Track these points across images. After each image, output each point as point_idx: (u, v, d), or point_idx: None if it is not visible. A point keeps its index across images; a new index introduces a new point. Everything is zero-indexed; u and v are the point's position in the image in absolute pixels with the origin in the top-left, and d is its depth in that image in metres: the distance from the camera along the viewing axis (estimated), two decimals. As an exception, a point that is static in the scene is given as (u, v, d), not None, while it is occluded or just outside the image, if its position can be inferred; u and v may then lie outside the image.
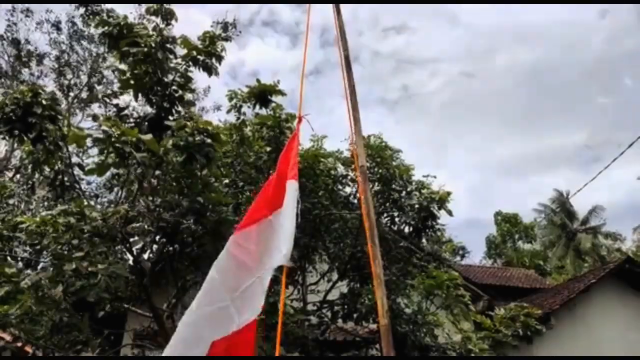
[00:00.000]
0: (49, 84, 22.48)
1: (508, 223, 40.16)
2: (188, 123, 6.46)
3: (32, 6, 22.74)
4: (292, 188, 3.36)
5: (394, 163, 9.68)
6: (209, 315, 3.15)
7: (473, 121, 67.24)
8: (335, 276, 9.78)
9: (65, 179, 8.31)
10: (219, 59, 7.86)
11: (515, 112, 68.07)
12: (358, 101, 4.05)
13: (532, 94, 66.19)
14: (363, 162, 3.75)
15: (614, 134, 64.09)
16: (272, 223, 3.38)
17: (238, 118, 9.07)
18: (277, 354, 3.09)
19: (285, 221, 3.19)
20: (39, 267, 9.21)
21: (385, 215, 9.72)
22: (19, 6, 22.53)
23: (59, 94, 21.54)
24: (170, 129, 7.13)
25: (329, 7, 4.46)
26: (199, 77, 8.27)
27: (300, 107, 3.91)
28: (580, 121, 69.56)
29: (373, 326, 8.89)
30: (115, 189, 9.99)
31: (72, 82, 23.73)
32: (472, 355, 8.40)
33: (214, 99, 26.40)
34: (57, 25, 23.14)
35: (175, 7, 8.18)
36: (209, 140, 6.50)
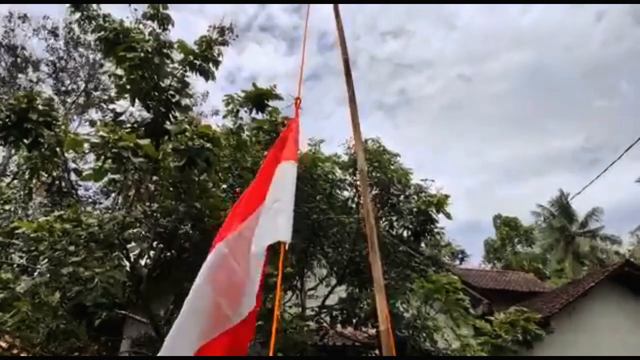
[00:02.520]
0: (47, 90, 22.51)
1: (507, 227, 40.16)
2: (188, 127, 6.44)
3: (30, 12, 22.82)
4: (289, 169, 3.32)
5: (392, 167, 9.65)
6: (203, 314, 3.08)
7: (471, 124, 67.22)
8: (333, 281, 9.73)
9: (63, 184, 8.27)
10: (216, 63, 7.84)
11: (513, 115, 68.08)
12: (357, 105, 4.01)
13: (529, 97, 66.23)
14: (363, 165, 3.71)
15: (611, 137, 64.19)
16: (260, 214, 3.31)
17: (235, 123, 9.03)
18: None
19: (278, 200, 3.14)
20: (36, 273, 9.16)
21: (383, 219, 9.67)
22: (16, 12, 22.58)
23: (56, 99, 21.53)
24: (168, 134, 7.10)
25: (327, 12, 4.47)
26: (197, 82, 8.25)
27: (300, 86, 3.88)
28: (578, 124, 69.58)
29: (372, 331, 8.84)
30: (112, 195, 9.93)
31: (70, 87, 23.75)
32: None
33: (212, 103, 26.42)
34: (54, 32, 23.19)
35: (173, 12, 8.18)
36: (208, 145, 6.48)
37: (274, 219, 3.04)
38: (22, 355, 8.17)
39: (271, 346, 2.90)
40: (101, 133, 5.83)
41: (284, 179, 3.27)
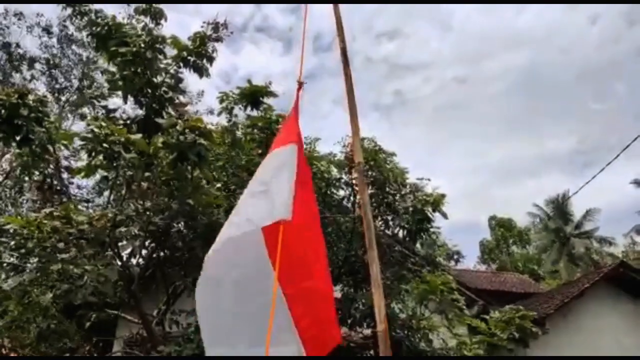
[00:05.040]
0: (41, 88, 22.36)
1: (502, 227, 40.19)
2: (179, 121, 6.30)
3: (23, 9, 22.63)
4: (285, 151, 3.29)
5: (387, 166, 9.56)
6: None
7: (467, 125, 67.46)
8: (328, 281, 9.63)
9: (55, 182, 8.15)
10: (210, 59, 7.74)
11: (508, 116, 68.41)
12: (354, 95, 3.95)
13: (525, 98, 66.56)
14: (360, 159, 3.61)
15: (605, 139, 64.51)
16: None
17: (229, 120, 8.92)
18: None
19: (271, 181, 3.11)
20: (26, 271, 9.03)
21: (379, 218, 9.59)
22: (12, 9, 22.37)
23: (50, 97, 21.36)
24: (161, 130, 6.99)
25: (323, 13, 4.43)
26: (192, 81, 8.16)
27: (302, 69, 3.81)
28: (573, 125, 69.93)
29: (367, 331, 8.74)
30: (105, 193, 9.81)
31: (64, 85, 23.57)
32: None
33: (207, 103, 26.33)
34: (47, 30, 23.02)
35: (170, 13, 8.08)
36: (201, 140, 6.35)
37: (270, 198, 2.99)
38: (11, 355, 8.06)
39: (267, 344, 2.81)
40: (91, 127, 5.71)
41: (278, 162, 3.22)
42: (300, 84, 3.75)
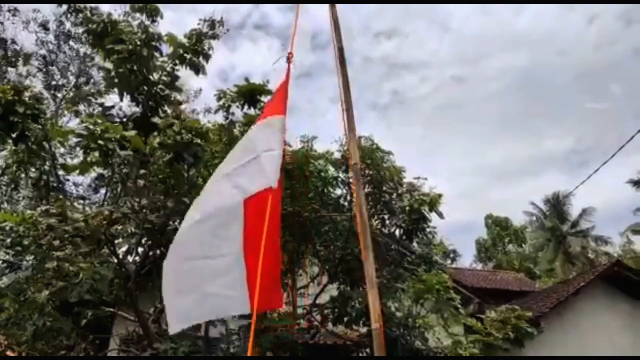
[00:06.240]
0: (37, 84, 22.22)
1: (498, 226, 40.28)
2: (175, 121, 6.30)
3: (19, 5, 22.49)
4: (275, 122, 3.43)
5: (384, 165, 9.56)
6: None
7: (464, 125, 67.37)
8: (325, 279, 9.64)
9: (51, 179, 8.13)
10: (207, 57, 7.73)
11: (506, 116, 68.38)
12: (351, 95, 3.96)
13: (523, 99, 66.57)
14: (356, 159, 3.61)
15: (602, 139, 64.59)
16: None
17: (226, 118, 8.90)
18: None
19: (267, 150, 3.27)
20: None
21: (375, 217, 9.59)
22: (6, 5, 22.20)
23: (46, 94, 21.27)
24: (157, 128, 6.98)
25: (320, 12, 4.43)
26: (190, 80, 8.17)
27: (293, 40, 3.84)
28: (570, 126, 69.98)
29: (363, 330, 8.76)
30: (102, 191, 9.78)
31: (60, 82, 23.45)
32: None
33: (205, 102, 26.24)
34: (44, 25, 22.89)
35: (169, 12, 8.06)
36: (197, 140, 6.34)
37: (260, 165, 3.18)
38: (7, 353, 8.04)
39: (249, 344, 2.82)
40: (86, 124, 5.70)
41: (271, 130, 3.37)
42: (290, 55, 3.82)
